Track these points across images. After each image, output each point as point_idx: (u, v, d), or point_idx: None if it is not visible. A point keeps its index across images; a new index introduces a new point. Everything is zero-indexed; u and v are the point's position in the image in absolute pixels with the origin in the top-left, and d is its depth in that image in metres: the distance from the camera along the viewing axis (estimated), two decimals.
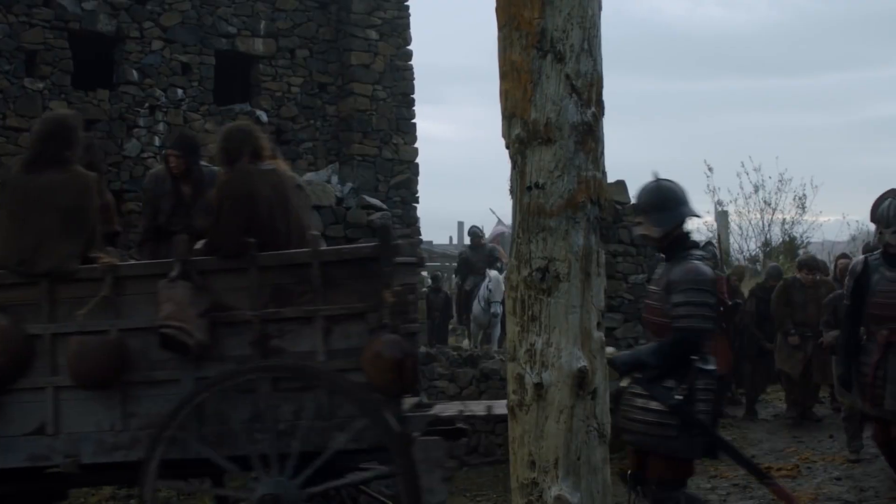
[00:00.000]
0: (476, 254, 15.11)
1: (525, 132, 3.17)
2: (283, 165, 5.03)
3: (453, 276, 22.09)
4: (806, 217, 23.59)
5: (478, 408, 4.79)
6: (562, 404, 3.09)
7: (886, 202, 5.50)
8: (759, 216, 23.93)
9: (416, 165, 14.59)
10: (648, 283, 9.14)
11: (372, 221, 7.61)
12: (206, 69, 12.78)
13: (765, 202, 23.86)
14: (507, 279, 3.23)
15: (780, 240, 23.70)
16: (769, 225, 23.99)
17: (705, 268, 4.23)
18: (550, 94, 3.15)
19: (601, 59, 3.25)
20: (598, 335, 3.18)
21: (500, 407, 4.83)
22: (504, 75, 3.27)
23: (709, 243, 11.89)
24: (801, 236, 23.77)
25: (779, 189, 23.56)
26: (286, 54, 13.57)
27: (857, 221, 24.79)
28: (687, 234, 4.35)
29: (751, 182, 23.24)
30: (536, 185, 3.15)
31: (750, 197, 23.67)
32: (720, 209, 23.18)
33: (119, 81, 12.13)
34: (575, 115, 3.15)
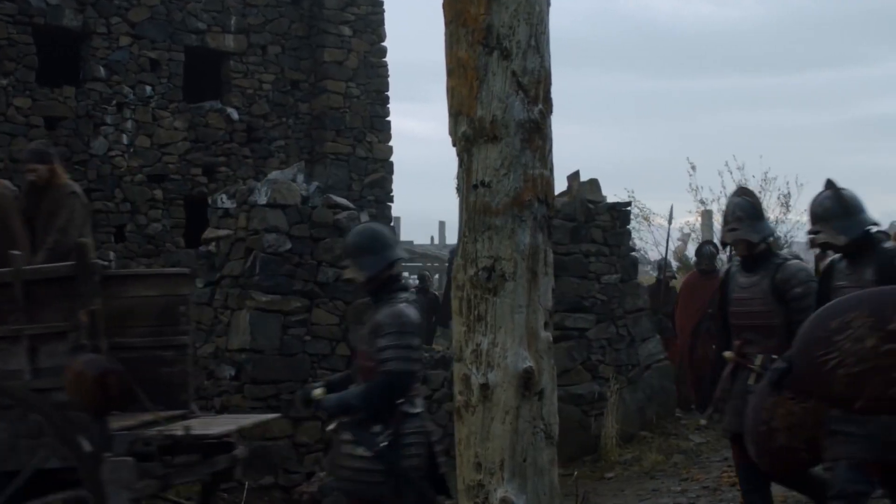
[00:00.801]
0: None
1: (471, 130, 3.18)
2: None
3: (436, 276, 21.93)
4: (791, 216, 23.73)
5: (177, 427, 4.75)
6: (507, 405, 3.10)
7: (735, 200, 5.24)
8: None
9: (391, 164, 14.58)
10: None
11: (338, 221, 7.61)
12: (175, 65, 12.75)
13: None
14: (454, 278, 3.24)
15: None
16: None
17: (411, 310, 4.25)
18: (496, 92, 3.15)
19: (549, 56, 3.26)
20: (546, 335, 3.19)
21: (202, 426, 4.82)
22: (451, 72, 3.27)
23: (708, 242, 11.91)
24: (786, 236, 23.93)
25: (762, 188, 23.68)
26: (257, 51, 13.54)
27: None
28: (395, 277, 4.35)
29: (734, 181, 23.35)
30: (482, 184, 3.16)
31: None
32: (704, 208, 23.31)
33: (86, 78, 12.08)
34: (521, 113, 3.15)
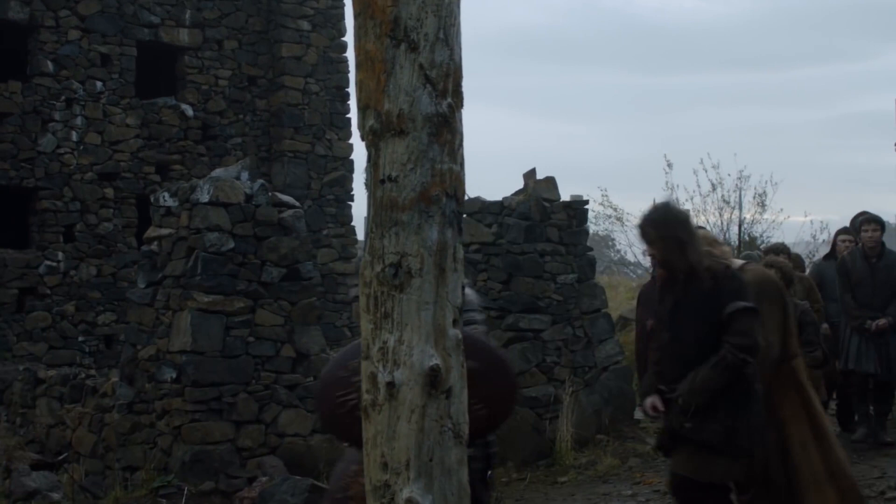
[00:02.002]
0: None
1: (378, 124, 3.20)
2: None
3: None
4: (766, 216, 23.89)
5: None
6: (413, 404, 3.12)
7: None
8: (717, 215, 24.20)
9: (352, 162, 14.59)
10: None
11: (283, 219, 7.61)
12: (127, 60, 12.70)
13: (723, 200, 24.14)
14: (360, 275, 3.26)
15: (738, 240, 23.98)
16: (727, 224, 24.27)
17: None
18: (403, 85, 3.17)
19: (460, 49, 3.29)
20: (454, 332, 3.21)
21: None
22: (359, 65, 3.28)
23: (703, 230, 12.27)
24: (762, 236, 24.07)
25: (737, 187, 23.82)
26: (213, 45, 13.51)
27: (820, 221, 25.13)
28: None
29: (709, 179, 23.47)
30: (389, 178, 3.18)
31: (708, 195, 23.93)
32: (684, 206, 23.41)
33: (33, 73, 12.02)
34: (429, 107, 3.17)
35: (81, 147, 12.25)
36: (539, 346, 8.92)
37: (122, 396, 7.60)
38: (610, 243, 33.12)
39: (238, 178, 7.57)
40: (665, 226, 4.38)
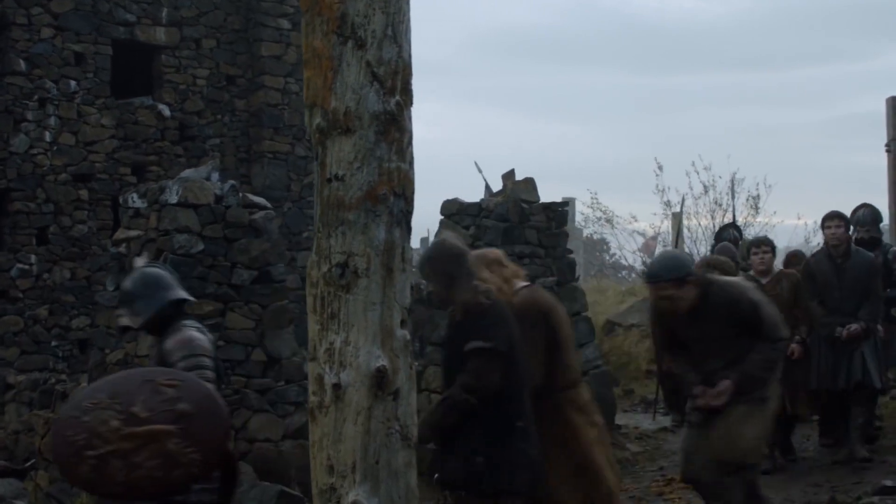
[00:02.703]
0: None
1: (325, 122, 3.23)
2: None
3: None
4: (759, 219, 23.95)
5: None
6: (359, 405, 3.14)
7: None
8: (709, 218, 24.25)
9: None
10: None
11: (254, 221, 7.63)
12: (102, 59, 12.68)
13: (716, 203, 24.19)
14: (308, 274, 3.28)
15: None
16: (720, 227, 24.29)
17: (200, 335, 4.22)
18: (351, 83, 3.21)
19: (409, 47, 3.32)
20: (402, 333, 3.24)
21: None
22: (307, 62, 3.33)
23: (731, 225, 12.31)
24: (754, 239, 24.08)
25: (730, 189, 23.87)
26: (191, 44, 13.51)
27: (814, 222, 25.23)
28: (177, 314, 4.29)
29: (701, 182, 23.53)
30: (336, 177, 3.21)
31: (700, 198, 23.99)
32: (675, 209, 23.50)
33: (5, 72, 11.99)
34: (376, 104, 3.21)
35: (55, 147, 12.24)
36: None
37: None
38: (605, 246, 33.20)
39: (208, 178, 7.59)
40: (437, 262, 4.47)
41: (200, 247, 7.39)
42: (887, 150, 14.42)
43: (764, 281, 7.26)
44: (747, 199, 23.56)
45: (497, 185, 10.51)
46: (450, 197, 9.47)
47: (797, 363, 7.19)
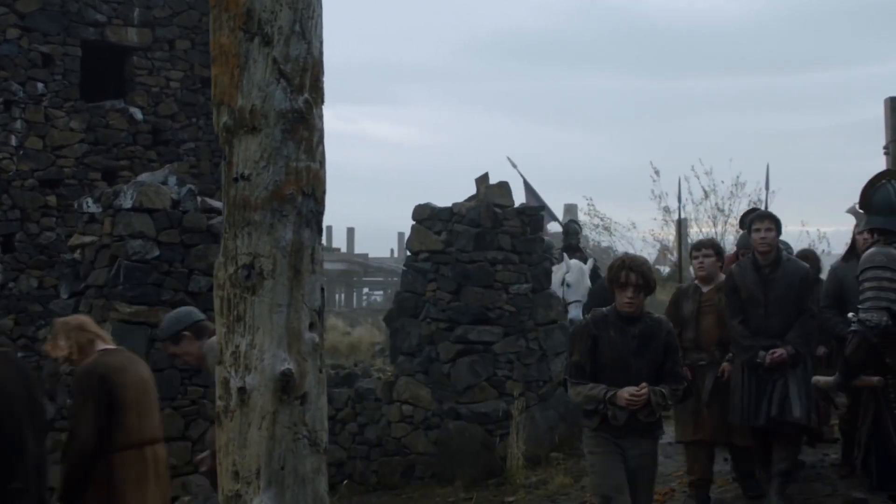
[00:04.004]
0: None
1: (232, 120, 3.28)
2: None
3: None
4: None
5: None
6: (264, 410, 3.18)
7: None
8: (710, 224, 24.24)
9: None
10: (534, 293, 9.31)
11: (212, 226, 7.68)
12: (71, 61, 12.76)
13: (717, 208, 24.18)
14: (215, 276, 3.33)
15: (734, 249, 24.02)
16: (723, 234, 24.32)
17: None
18: (257, 80, 3.25)
19: (319, 43, 3.37)
20: (311, 336, 3.28)
21: None
22: (214, 59, 3.38)
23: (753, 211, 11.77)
24: None
25: (732, 194, 23.89)
26: (164, 45, 13.59)
27: (817, 230, 25.16)
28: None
29: (701, 186, 23.52)
30: (242, 177, 3.26)
31: (700, 203, 24.00)
32: (680, 216, 23.51)
33: None
34: (283, 102, 3.25)
35: (21, 152, 12.31)
36: (489, 359, 8.99)
37: None
38: (613, 254, 33.22)
39: (165, 182, 7.65)
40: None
41: (156, 253, 7.45)
42: (885, 153, 14.42)
43: (705, 289, 6.79)
44: (749, 205, 23.58)
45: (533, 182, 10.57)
46: (454, 201, 9.34)
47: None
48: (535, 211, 9.49)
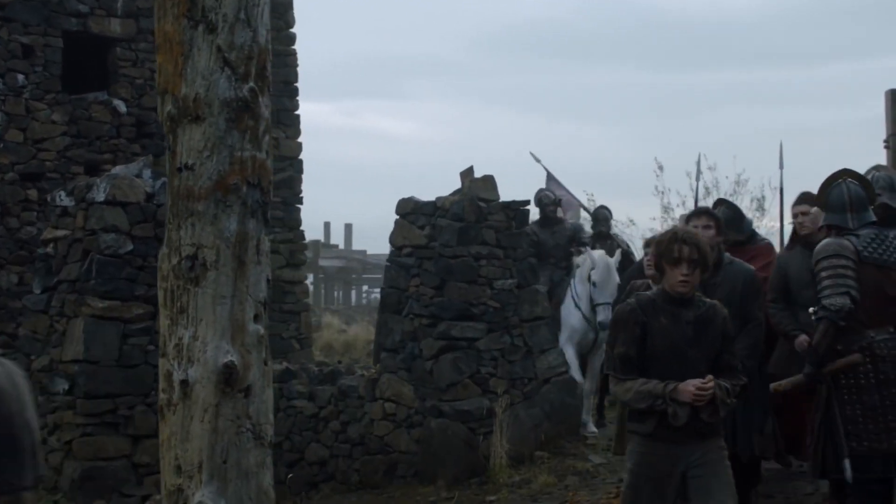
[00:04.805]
0: (550, 233, 10.91)
1: (176, 109, 3.31)
2: None
3: None
4: (765, 222, 23.93)
5: None
6: (206, 402, 3.21)
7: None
8: None
9: (300, 162, 14.68)
10: (519, 289, 9.32)
11: None
12: (52, 52, 12.77)
13: None
14: (159, 268, 3.36)
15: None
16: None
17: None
18: (201, 68, 3.28)
19: (265, 31, 3.40)
20: (255, 328, 3.31)
21: None
22: (159, 47, 3.41)
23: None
24: (760, 242, 24.10)
25: (735, 191, 23.89)
26: (148, 36, 13.56)
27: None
28: None
29: (704, 183, 23.51)
30: (186, 167, 3.29)
31: (703, 200, 23.96)
32: (675, 212, 23.52)
33: None
34: (228, 91, 3.28)
35: (2, 145, 12.31)
36: (473, 356, 9.01)
37: None
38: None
39: (139, 175, 7.67)
40: None
41: (129, 247, 7.48)
42: (886, 146, 14.41)
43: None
44: (751, 202, 23.59)
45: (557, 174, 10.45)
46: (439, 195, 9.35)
47: None
48: (521, 205, 9.51)
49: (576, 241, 10.72)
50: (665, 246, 4.65)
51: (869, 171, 6.60)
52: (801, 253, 6.37)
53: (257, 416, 3.29)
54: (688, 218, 6.12)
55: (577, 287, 9.97)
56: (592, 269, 9.72)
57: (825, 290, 5.19)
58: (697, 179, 13.27)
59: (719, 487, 4.57)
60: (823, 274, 5.23)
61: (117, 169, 7.85)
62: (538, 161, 13.74)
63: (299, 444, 9.76)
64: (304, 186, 14.85)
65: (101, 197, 7.41)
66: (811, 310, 5.24)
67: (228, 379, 3.22)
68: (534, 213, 10.69)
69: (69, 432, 7.26)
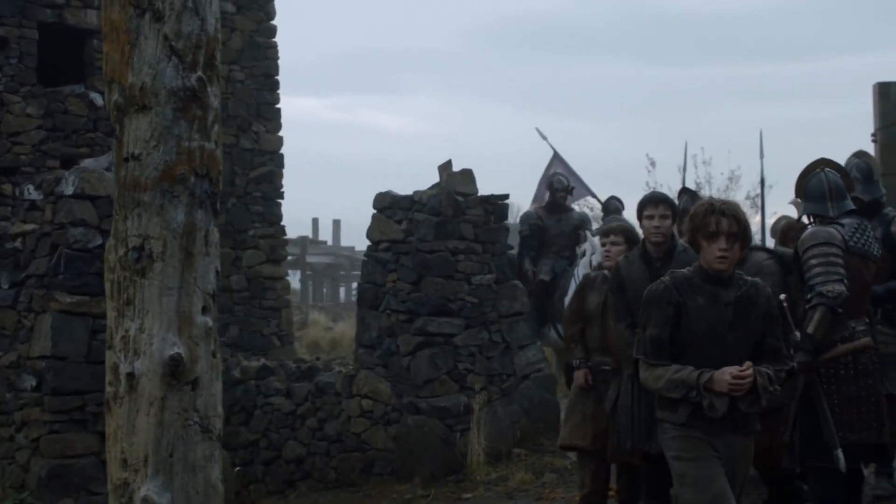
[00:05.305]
0: (556, 219, 10.95)
1: (122, 98, 3.31)
2: None
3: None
4: (757, 219, 23.95)
5: None
6: (152, 395, 3.22)
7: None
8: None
9: (281, 156, 14.67)
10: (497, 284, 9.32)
11: None
12: (27, 44, 12.74)
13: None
14: (105, 259, 3.36)
15: None
16: None
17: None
18: (147, 57, 3.29)
19: (214, 20, 3.40)
20: (203, 320, 3.31)
21: None
22: (106, 36, 3.42)
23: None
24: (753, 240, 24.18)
25: (728, 188, 23.95)
26: None
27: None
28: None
29: (696, 179, 23.56)
30: (133, 157, 3.29)
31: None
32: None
33: None
34: (175, 80, 3.29)
35: None
36: (450, 352, 9.01)
37: None
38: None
39: (108, 168, 7.66)
40: None
41: (98, 241, 7.48)
42: (873, 141, 14.46)
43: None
44: (746, 198, 23.66)
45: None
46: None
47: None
48: (499, 199, 9.51)
49: (582, 230, 10.40)
50: (700, 219, 4.33)
51: (849, 158, 6.73)
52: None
53: (205, 408, 3.30)
54: (643, 206, 5.81)
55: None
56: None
57: (817, 276, 5.09)
58: (684, 170, 13.24)
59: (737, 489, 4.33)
60: (814, 262, 5.15)
61: (86, 162, 7.84)
62: (544, 138, 13.30)
63: (276, 442, 9.77)
64: (293, 182, 14.88)
65: (69, 190, 7.41)
66: (808, 296, 5.13)
67: (175, 371, 3.23)
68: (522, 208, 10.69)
69: (36, 429, 7.25)
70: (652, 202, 5.73)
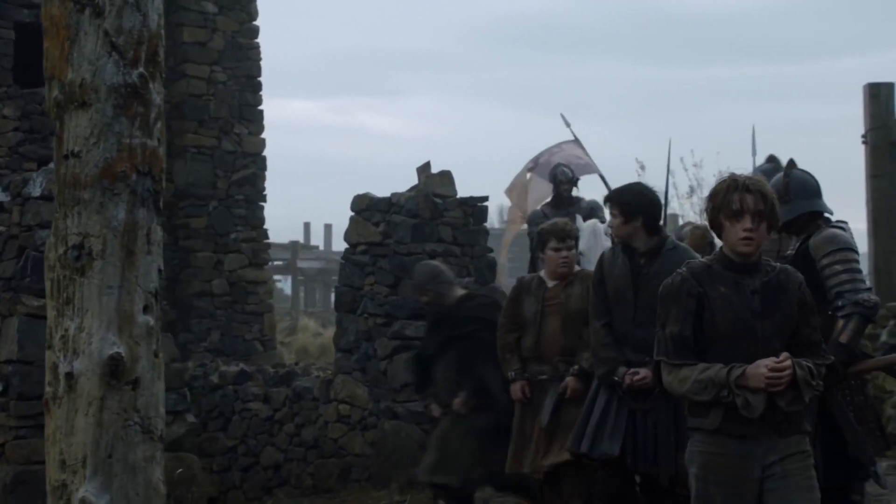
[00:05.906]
0: (563, 215, 9.46)
1: (62, 95, 3.33)
2: None
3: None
4: None
5: None
6: (91, 395, 3.23)
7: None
8: (699, 219, 24.27)
9: (264, 159, 14.68)
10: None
11: None
12: (3, 44, 12.77)
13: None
14: (46, 258, 3.37)
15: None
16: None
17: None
18: (87, 53, 3.30)
19: (157, 15, 3.41)
20: (145, 319, 3.32)
21: None
22: (46, 31, 3.44)
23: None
24: None
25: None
26: None
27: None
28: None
29: (688, 180, 23.54)
30: (73, 154, 3.31)
31: (688, 197, 24.01)
32: (665, 213, 23.54)
33: None
34: (115, 76, 3.30)
35: None
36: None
37: None
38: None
39: None
40: None
41: None
42: (864, 142, 14.48)
43: (551, 284, 5.91)
44: None
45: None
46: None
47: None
48: (479, 201, 9.54)
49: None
50: (722, 196, 3.91)
51: (761, 166, 6.61)
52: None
53: (146, 409, 3.31)
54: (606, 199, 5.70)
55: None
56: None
57: (844, 283, 4.82)
58: (668, 171, 13.16)
59: (802, 498, 3.87)
60: (839, 267, 4.85)
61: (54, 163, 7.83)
62: (568, 125, 12.79)
63: (254, 448, 9.78)
64: (288, 186, 14.91)
65: (37, 192, 7.42)
66: (839, 303, 4.84)
67: (114, 371, 3.23)
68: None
69: (1, 435, 7.26)
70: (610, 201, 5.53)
